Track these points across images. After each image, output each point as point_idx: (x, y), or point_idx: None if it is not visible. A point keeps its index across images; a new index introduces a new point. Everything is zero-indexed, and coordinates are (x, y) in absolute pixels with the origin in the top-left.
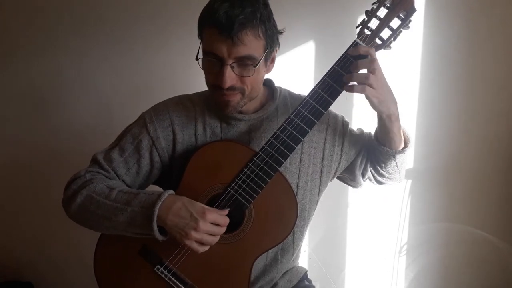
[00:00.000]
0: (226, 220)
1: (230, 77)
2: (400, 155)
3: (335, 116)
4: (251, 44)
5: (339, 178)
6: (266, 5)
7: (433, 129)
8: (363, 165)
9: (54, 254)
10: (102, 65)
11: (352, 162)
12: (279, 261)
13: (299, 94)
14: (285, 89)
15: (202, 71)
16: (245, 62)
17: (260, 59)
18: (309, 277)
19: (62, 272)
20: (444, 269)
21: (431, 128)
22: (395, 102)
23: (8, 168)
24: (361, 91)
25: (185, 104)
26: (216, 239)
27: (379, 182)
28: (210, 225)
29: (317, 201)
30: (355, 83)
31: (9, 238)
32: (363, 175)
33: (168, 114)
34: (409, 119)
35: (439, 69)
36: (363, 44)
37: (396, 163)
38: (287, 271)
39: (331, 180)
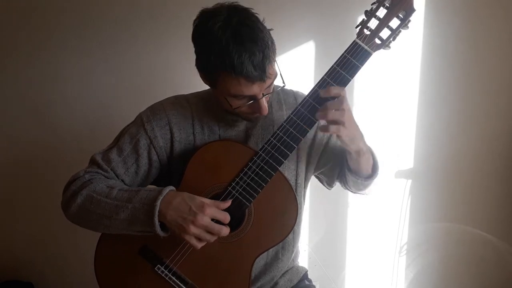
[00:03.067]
0: (226, 216)
1: (266, 104)
2: (367, 181)
3: None
4: (272, 71)
5: (315, 177)
6: (263, 26)
7: (433, 129)
8: (336, 174)
9: (54, 254)
10: (101, 65)
11: (330, 168)
12: (280, 260)
13: (291, 90)
14: (276, 85)
15: None
16: (269, 86)
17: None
18: (309, 277)
19: (62, 272)
20: (444, 269)
21: (431, 128)
22: (362, 137)
23: (8, 168)
24: (336, 131)
25: (181, 103)
26: (214, 237)
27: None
28: (209, 220)
29: (305, 196)
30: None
31: (9, 238)
32: (334, 183)
33: (165, 113)
34: (409, 119)
35: (439, 69)
36: (334, 84)
37: (362, 186)
38: (287, 270)
39: (312, 175)
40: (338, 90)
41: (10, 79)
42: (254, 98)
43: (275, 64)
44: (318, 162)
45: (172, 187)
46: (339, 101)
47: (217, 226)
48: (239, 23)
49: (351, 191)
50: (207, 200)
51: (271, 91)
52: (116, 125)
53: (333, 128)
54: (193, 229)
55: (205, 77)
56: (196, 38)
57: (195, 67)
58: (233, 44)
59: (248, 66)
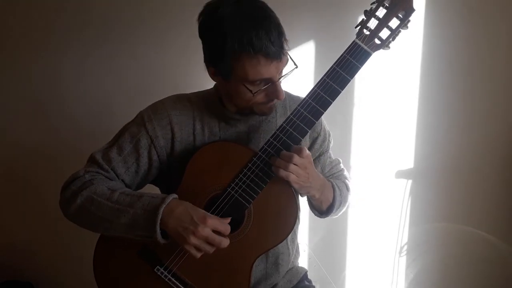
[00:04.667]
0: (227, 228)
1: (282, 88)
2: (319, 215)
3: (327, 132)
4: (286, 50)
5: None
6: (271, 10)
7: (433, 129)
8: None
9: (54, 254)
10: (101, 65)
11: None
12: (280, 264)
13: (298, 96)
14: (284, 90)
15: (201, 71)
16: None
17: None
18: (309, 277)
19: (62, 272)
20: (444, 269)
21: (431, 128)
22: (319, 186)
23: (8, 168)
24: (285, 177)
25: (183, 103)
26: (213, 248)
27: None
28: (209, 231)
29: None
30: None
31: (9, 238)
32: None
33: (167, 112)
34: (409, 119)
35: (439, 69)
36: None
37: (318, 216)
38: (287, 271)
39: None
40: (296, 151)
41: (10, 79)
42: (271, 82)
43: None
44: None
45: (175, 195)
46: (289, 156)
47: (217, 238)
48: (249, 6)
49: None
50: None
51: (284, 73)
52: (116, 125)
53: (282, 173)
54: (193, 239)
55: (218, 70)
56: (205, 30)
57: (196, 67)
58: (248, 22)
59: (267, 42)
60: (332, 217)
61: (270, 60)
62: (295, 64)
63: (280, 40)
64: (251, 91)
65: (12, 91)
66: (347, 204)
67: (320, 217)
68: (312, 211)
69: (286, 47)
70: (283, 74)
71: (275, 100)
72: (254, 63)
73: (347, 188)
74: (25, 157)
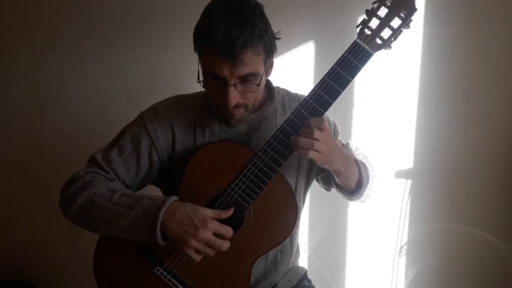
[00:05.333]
0: (229, 231)
1: (234, 96)
2: (350, 196)
3: (332, 124)
4: (252, 62)
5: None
6: (262, 15)
7: (433, 129)
8: (332, 182)
9: (54, 254)
10: (102, 65)
11: (327, 175)
12: (279, 264)
13: (296, 94)
14: (283, 89)
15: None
16: (247, 79)
17: (262, 74)
18: (309, 277)
19: (62, 272)
20: (444, 269)
21: (431, 128)
22: (343, 159)
23: (7, 168)
24: (308, 154)
25: (184, 104)
26: (214, 251)
27: None
28: (210, 235)
29: (304, 200)
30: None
31: (9, 238)
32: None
33: (167, 114)
34: (409, 119)
35: (439, 69)
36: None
37: (347, 198)
38: (287, 271)
39: (313, 180)
40: (316, 123)
41: (10, 79)
42: (224, 82)
43: (261, 61)
44: (319, 168)
45: (175, 197)
46: (310, 132)
47: (218, 242)
48: (235, 2)
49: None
50: (209, 213)
51: (253, 91)
52: (116, 125)
53: (304, 151)
54: (194, 242)
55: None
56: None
57: (195, 67)
58: (218, 12)
59: (220, 36)
60: (363, 200)
61: (220, 57)
62: (258, 84)
63: (235, 41)
64: (198, 78)
65: (12, 91)
66: (375, 182)
67: (351, 199)
68: (342, 193)
69: (246, 57)
70: (248, 88)
71: (236, 110)
72: (207, 55)
73: (370, 164)
74: (25, 157)
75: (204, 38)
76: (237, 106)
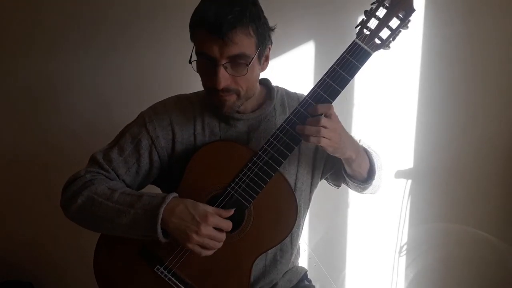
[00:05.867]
0: (229, 225)
1: (224, 77)
2: (363, 185)
3: None
4: (242, 42)
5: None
6: (255, 4)
7: (433, 129)
8: (341, 178)
9: (54, 254)
10: (101, 64)
11: (336, 172)
12: (278, 262)
13: (295, 93)
14: (282, 88)
15: None
16: (238, 61)
17: (253, 58)
18: (309, 277)
19: (62, 272)
20: (444, 269)
21: (431, 128)
22: (353, 146)
23: (7, 168)
24: (316, 142)
25: (183, 103)
26: (219, 245)
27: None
28: (212, 229)
29: (310, 200)
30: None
31: (9, 238)
32: (340, 184)
33: (167, 113)
34: (409, 119)
35: (439, 69)
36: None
37: (360, 189)
38: (287, 271)
39: (320, 180)
40: (323, 109)
41: (10, 79)
42: (215, 63)
43: (252, 44)
44: (325, 167)
45: (175, 194)
46: (316, 120)
47: (219, 235)
48: None
49: (357, 192)
50: (209, 209)
51: (244, 73)
52: (116, 125)
53: (313, 139)
54: (196, 237)
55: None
56: None
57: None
58: None
59: (210, 14)
60: (374, 191)
61: (211, 35)
62: (247, 65)
63: (225, 19)
64: (190, 58)
65: (12, 91)
66: (383, 170)
67: (364, 188)
68: (355, 183)
69: (236, 37)
70: (239, 71)
71: (228, 96)
72: (198, 34)
73: (376, 153)
74: (25, 157)
75: (195, 19)
76: (228, 90)
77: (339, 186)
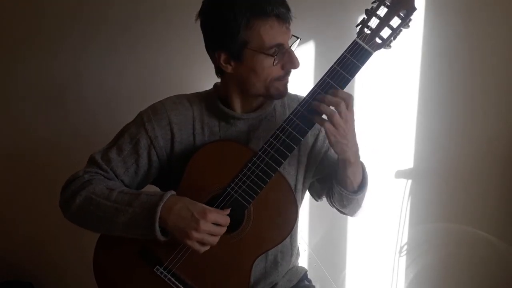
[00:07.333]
0: (227, 220)
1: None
2: (351, 197)
3: None
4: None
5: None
6: None
7: (433, 129)
8: (326, 187)
9: (54, 254)
10: (102, 64)
11: (323, 178)
12: (279, 264)
13: (296, 95)
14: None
15: (201, 71)
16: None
17: None
18: (309, 277)
19: (62, 272)
20: (444, 269)
21: (431, 128)
22: (355, 150)
23: (7, 167)
24: (321, 123)
25: (182, 103)
26: (217, 239)
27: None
28: (211, 225)
29: (302, 200)
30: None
31: (9, 238)
32: (323, 195)
33: (166, 113)
34: (409, 119)
35: (439, 69)
36: (336, 86)
37: (346, 201)
38: (287, 271)
39: (312, 180)
40: (344, 95)
41: (10, 79)
42: (284, 49)
43: None
44: (316, 170)
45: (173, 192)
46: (335, 102)
47: (218, 230)
48: None
49: (336, 207)
50: (207, 206)
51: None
52: (117, 125)
53: (319, 119)
54: (196, 234)
55: (229, 53)
56: (211, 11)
57: (196, 68)
58: None
59: (277, 4)
60: (355, 211)
61: (282, 22)
62: (296, 36)
63: (286, 4)
64: (272, 55)
65: (12, 91)
66: (367, 195)
67: (349, 202)
68: (340, 194)
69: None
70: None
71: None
72: (268, 28)
73: (368, 174)
74: (25, 157)
75: (256, 11)
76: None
77: (320, 197)
